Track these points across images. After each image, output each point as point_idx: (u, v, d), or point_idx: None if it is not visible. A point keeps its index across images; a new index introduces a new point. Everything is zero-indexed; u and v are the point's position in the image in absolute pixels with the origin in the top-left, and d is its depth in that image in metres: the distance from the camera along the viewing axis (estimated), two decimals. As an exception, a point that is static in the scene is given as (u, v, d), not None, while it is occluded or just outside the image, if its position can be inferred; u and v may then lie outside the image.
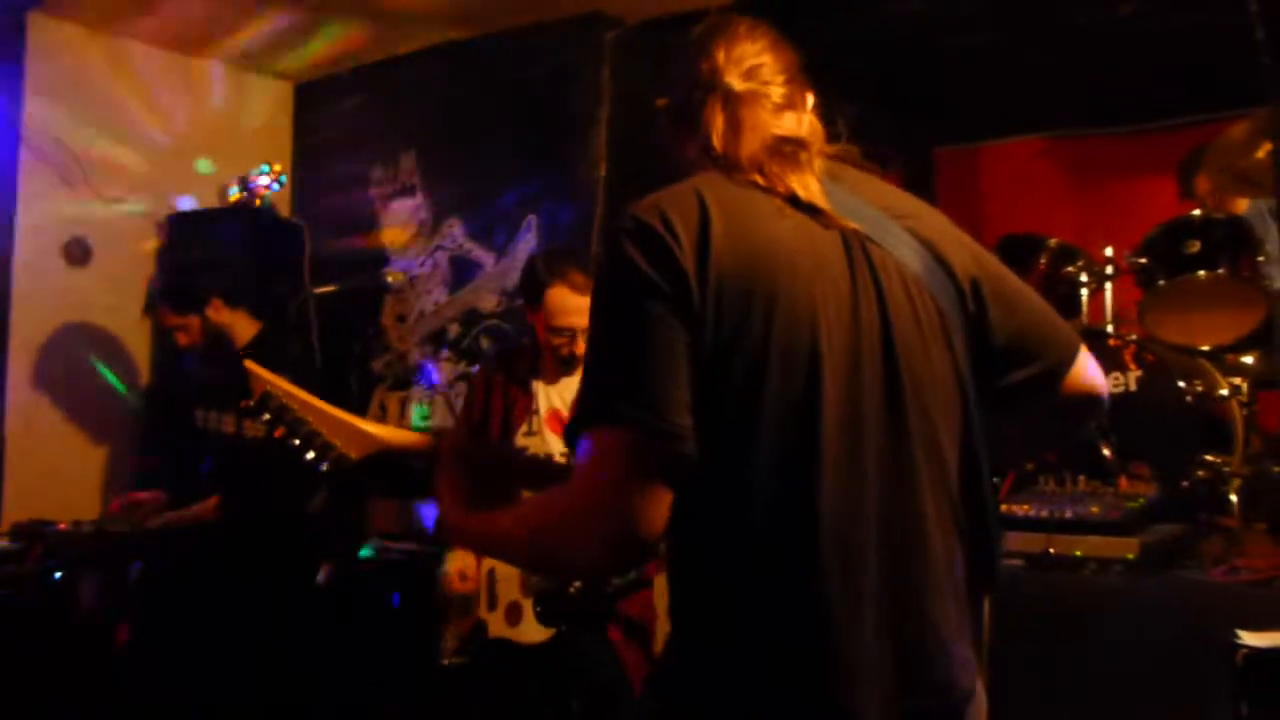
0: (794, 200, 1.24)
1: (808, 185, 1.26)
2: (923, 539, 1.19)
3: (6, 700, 3.10)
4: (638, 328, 1.14)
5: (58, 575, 3.25)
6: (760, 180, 1.26)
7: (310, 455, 1.40)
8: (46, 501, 3.82)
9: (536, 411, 2.96)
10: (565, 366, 2.95)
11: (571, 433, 1.18)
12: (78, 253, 4.51)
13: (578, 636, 2.83)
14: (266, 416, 1.40)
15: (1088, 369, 1.39)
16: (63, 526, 3.29)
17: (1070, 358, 1.38)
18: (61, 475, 4.32)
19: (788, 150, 1.29)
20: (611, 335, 1.18)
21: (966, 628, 1.23)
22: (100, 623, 3.37)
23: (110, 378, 4.55)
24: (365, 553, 3.98)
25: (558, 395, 2.98)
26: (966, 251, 1.35)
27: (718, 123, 1.32)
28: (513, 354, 3.20)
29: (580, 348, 2.88)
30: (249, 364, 1.44)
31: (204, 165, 4.77)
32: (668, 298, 1.14)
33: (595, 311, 1.21)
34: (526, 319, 3.05)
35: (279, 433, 1.40)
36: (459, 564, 2.92)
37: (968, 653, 1.23)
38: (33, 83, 4.37)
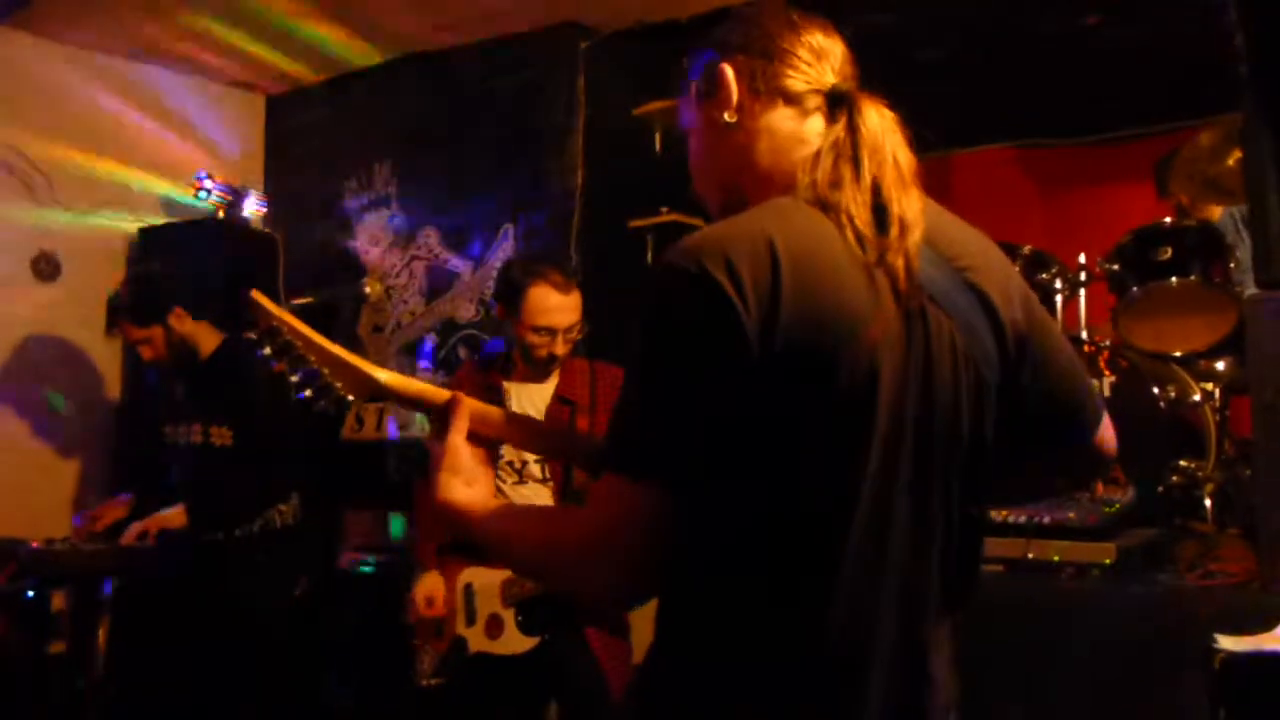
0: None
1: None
2: (928, 604, 1.18)
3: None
4: (682, 384, 1.08)
5: (30, 594, 3.21)
6: (852, 218, 1.16)
7: (308, 394, 1.35)
8: (17, 520, 3.77)
9: None
10: (540, 370, 2.94)
11: (594, 459, 1.15)
12: (46, 268, 4.47)
13: (558, 643, 2.82)
14: (268, 350, 1.35)
15: (1106, 436, 1.38)
16: (36, 545, 3.24)
17: (1095, 426, 1.36)
18: (32, 492, 4.27)
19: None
20: (652, 384, 1.11)
21: (953, 677, 1.24)
22: (74, 641, 3.33)
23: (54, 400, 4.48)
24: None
25: (529, 401, 2.96)
26: (1019, 302, 1.28)
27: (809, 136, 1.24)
28: (485, 361, 3.19)
29: (559, 348, 2.88)
30: (255, 294, 1.37)
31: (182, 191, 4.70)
32: (723, 357, 1.06)
33: (639, 353, 1.12)
34: (504, 326, 3.04)
35: (279, 367, 1.35)
36: (426, 589, 2.89)
37: (954, 698, 1.24)
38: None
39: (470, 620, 2.87)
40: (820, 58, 1.26)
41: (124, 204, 4.66)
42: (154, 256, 4.52)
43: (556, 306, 2.84)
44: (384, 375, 1.34)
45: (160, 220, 4.72)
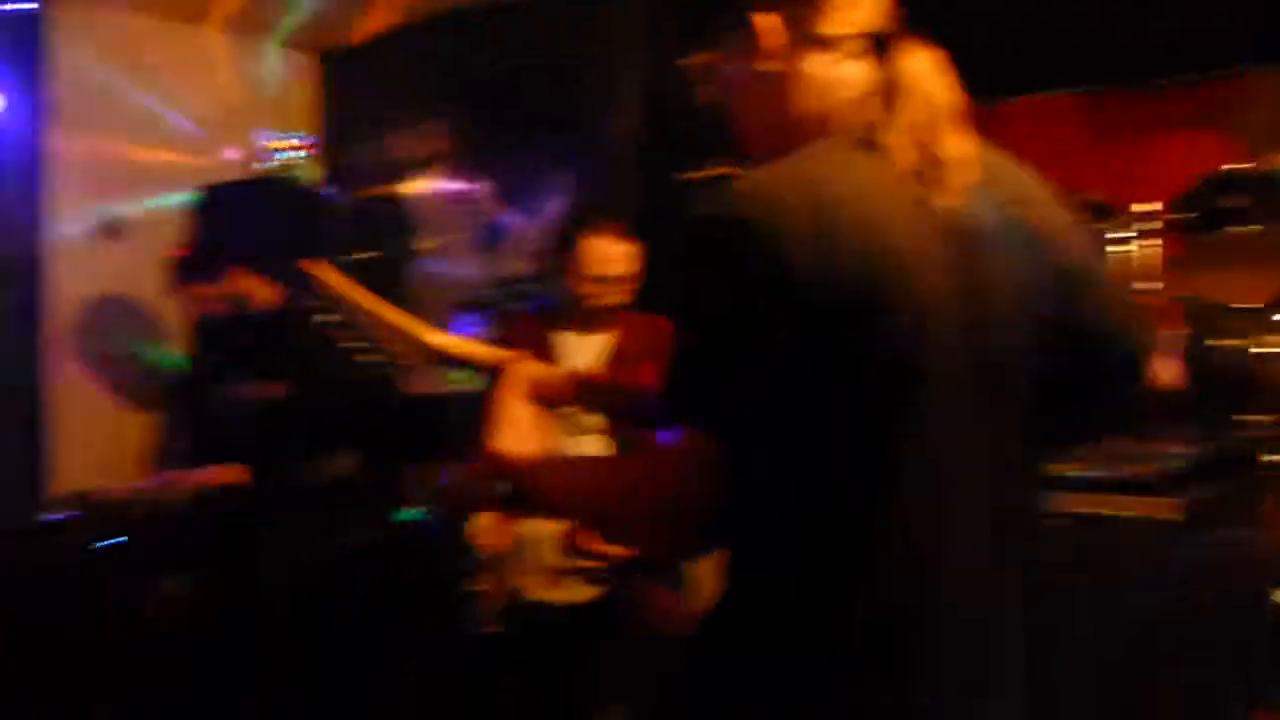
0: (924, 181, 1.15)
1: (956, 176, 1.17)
2: (988, 578, 1.17)
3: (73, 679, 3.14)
4: (732, 331, 1.07)
5: (107, 543, 3.29)
6: (897, 158, 1.15)
7: (364, 358, 1.43)
8: (92, 472, 3.88)
9: None
10: (595, 321, 2.95)
11: (648, 411, 1.18)
12: (113, 228, 4.55)
13: (614, 594, 2.86)
14: (324, 316, 1.43)
15: (1158, 373, 1.38)
16: (112, 495, 3.33)
17: (1145, 361, 1.34)
18: (102, 446, 4.38)
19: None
20: (703, 332, 1.11)
21: (1020, 649, 1.23)
22: (149, 588, 3.41)
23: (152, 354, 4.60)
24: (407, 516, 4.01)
25: (583, 353, 2.97)
26: (1072, 243, 1.26)
27: (851, 81, 1.22)
28: (539, 313, 3.18)
29: (615, 298, 2.89)
30: (310, 263, 1.44)
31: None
32: (773, 301, 1.05)
33: (686, 300, 1.12)
34: (558, 279, 3.04)
35: (335, 333, 1.43)
36: (488, 521, 2.94)
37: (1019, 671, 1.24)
38: (63, 62, 4.38)
39: (527, 570, 2.91)
40: (857, 1, 1.25)
41: (188, 165, 4.72)
42: (214, 214, 4.58)
43: (613, 256, 2.86)
44: (437, 338, 1.41)
45: (218, 180, 4.77)
